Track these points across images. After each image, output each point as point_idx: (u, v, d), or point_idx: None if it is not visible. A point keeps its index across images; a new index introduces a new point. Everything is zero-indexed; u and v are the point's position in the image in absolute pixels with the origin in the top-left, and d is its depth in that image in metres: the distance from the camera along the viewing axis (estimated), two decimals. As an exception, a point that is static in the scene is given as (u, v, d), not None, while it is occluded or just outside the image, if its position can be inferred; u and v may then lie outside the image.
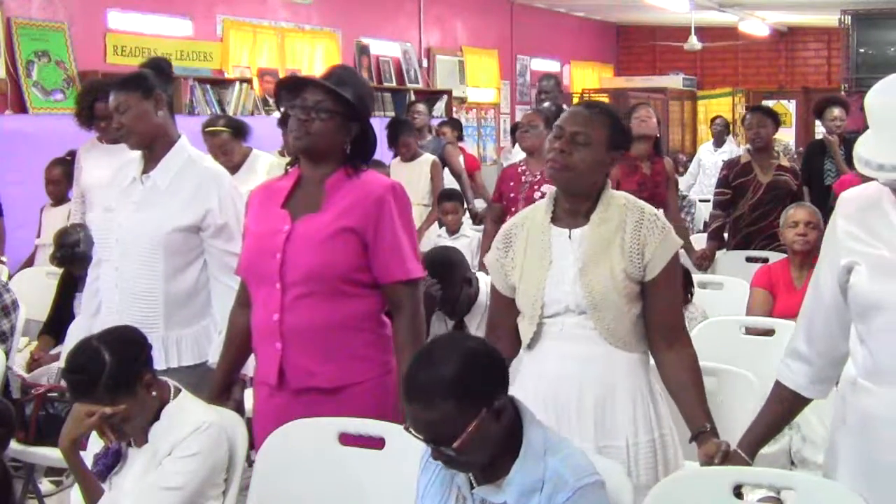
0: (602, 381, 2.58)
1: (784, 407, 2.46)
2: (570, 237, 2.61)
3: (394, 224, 2.84)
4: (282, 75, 8.78)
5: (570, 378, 2.58)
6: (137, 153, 3.35)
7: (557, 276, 2.59)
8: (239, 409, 3.03)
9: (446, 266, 3.95)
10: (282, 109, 2.89)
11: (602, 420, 2.57)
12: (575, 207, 2.63)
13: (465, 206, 7.20)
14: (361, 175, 2.88)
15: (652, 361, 2.68)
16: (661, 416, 2.63)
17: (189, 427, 2.65)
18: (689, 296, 4.78)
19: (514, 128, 7.52)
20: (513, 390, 2.63)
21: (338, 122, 2.83)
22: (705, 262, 5.80)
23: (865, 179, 6.39)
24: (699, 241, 6.11)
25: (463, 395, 2.12)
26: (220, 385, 3.04)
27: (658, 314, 2.61)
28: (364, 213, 2.81)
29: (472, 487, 2.27)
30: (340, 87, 2.82)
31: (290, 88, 2.88)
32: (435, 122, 9.19)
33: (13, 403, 3.87)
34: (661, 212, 5.54)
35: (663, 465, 2.61)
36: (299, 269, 2.79)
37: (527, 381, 2.65)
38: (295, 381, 2.83)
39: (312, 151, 2.85)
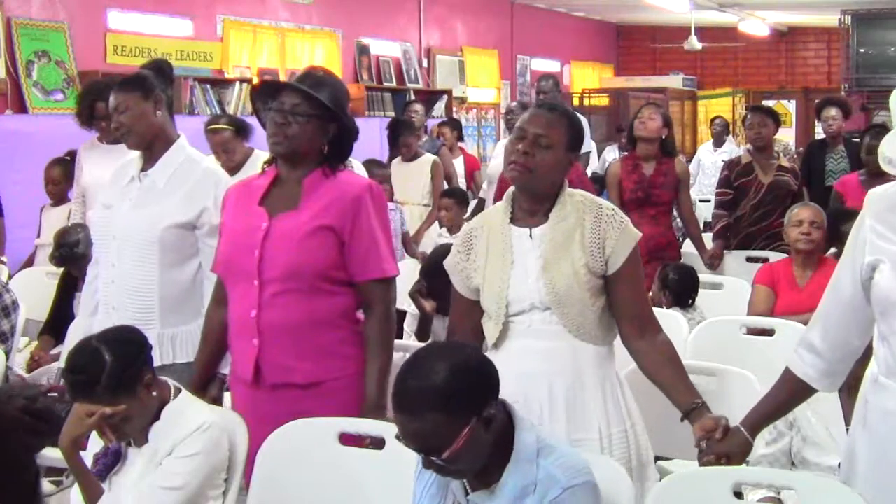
0: (571, 375, 2.61)
1: (790, 394, 2.47)
2: (530, 236, 2.65)
3: (371, 223, 2.88)
4: (282, 75, 8.79)
5: (538, 374, 2.61)
6: (137, 152, 3.37)
7: (520, 275, 2.62)
8: (215, 404, 3.05)
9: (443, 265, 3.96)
10: (267, 115, 2.90)
11: (573, 414, 2.59)
12: (534, 207, 2.67)
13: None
14: (338, 175, 2.92)
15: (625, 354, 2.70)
16: (630, 406, 2.68)
17: (190, 427, 2.65)
18: (691, 301, 4.78)
19: (508, 112, 7.48)
20: None
21: (315, 124, 2.86)
22: (716, 261, 5.81)
23: (868, 179, 6.40)
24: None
25: (451, 405, 2.12)
26: (197, 382, 3.07)
27: (625, 306, 2.65)
28: (341, 212, 2.85)
29: (466, 494, 2.27)
30: (316, 90, 2.86)
31: (267, 92, 2.92)
32: (435, 123, 9.19)
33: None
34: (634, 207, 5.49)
35: (636, 455, 2.64)
36: (277, 266, 2.83)
37: None
38: (271, 377, 2.86)
39: (291, 154, 2.89)
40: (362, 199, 2.88)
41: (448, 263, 2.80)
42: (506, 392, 2.57)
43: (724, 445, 2.44)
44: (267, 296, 2.84)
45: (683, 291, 4.79)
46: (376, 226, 2.90)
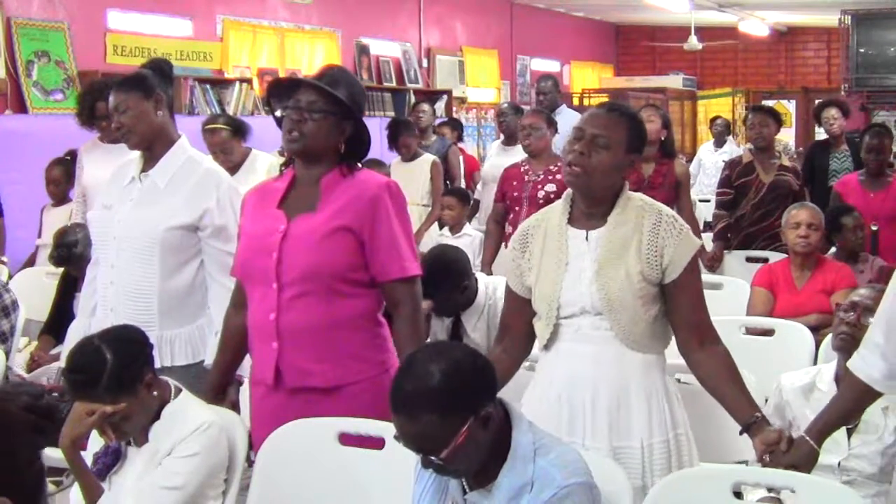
0: (616, 381, 2.57)
1: (855, 399, 2.45)
2: (586, 239, 2.60)
3: (390, 222, 2.84)
4: (282, 75, 8.78)
5: (584, 379, 2.57)
6: (137, 153, 3.36)
7: (574, 278, 2.58)
8: (234, 409, 3.04)
9: (440, 268, 3.95)
10: (277, 113, 2.88)
11: (616, 421, 2.55)
12: (592, 209, 2.62)
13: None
14: (356, 174, 2.89)
15: (678, 361, 2.67)
16: (676, 416, 2.62)
17: (190, 427, 2.65)
18: None
19: (499, 114, 7.45)
20: (529, 391, 2.63)
21: (331, 121, 2.82)
22: (716, 263, 5.81)
23: (867, 179, 6.38)
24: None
25: (447, 406, 2.12)
26: (216, 386, 3.05)
27: (684, 315, 2.60)
28: (360, 212, 2.82)
29: (464, 493, 2.27)
30: (333, 87, 2.82)
31: (283, 90, 2.89)
32: (436, 123, 9.17)
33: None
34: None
35: (678, 467, 2.58)
36: (295, 268, 2.80)
37: (542, 382, 2.66)
38: (291, 381, 2.83)
39: (307, 152, 2.85)
40: (381, 199, 2.84)
41: (504, 260, 2.77)
42: (551, 394, 2.58)
43: (792, 457, 2.42)
44: (286, 299, 2.80)
45: None
46: (396, 225, 2.85)
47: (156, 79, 3.31)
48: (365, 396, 2.82)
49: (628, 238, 2.56)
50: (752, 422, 2.51)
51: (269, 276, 2.82)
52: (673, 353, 2.70)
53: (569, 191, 2.67)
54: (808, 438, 2.43)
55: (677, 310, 2.59)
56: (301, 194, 2.88)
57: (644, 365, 2.58)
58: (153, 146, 3.31)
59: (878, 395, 2.41)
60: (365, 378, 2.84)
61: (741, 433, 2.53)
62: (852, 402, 2.46)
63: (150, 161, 3.32)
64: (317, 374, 2.82)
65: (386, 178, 2.96)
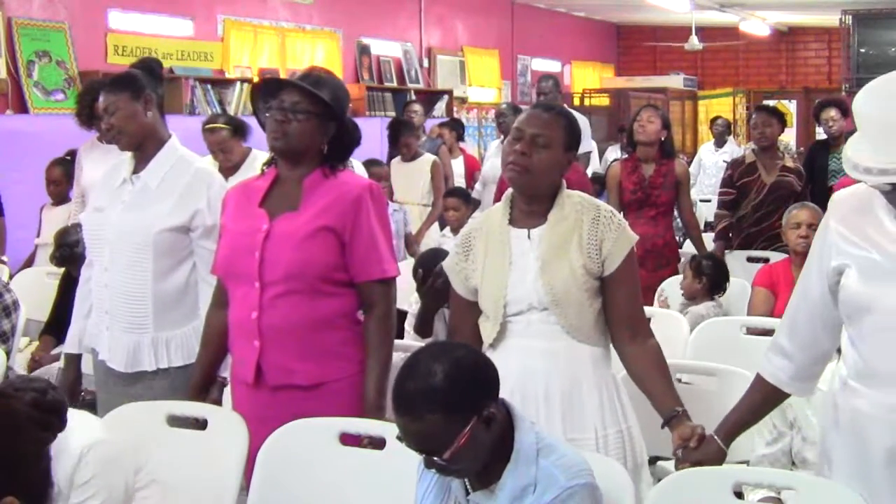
0: (568, 374, 2.62)
1: (762, 399, 2.49)
2: (528, 237, 2.66)
3: (371, 224, 2.88)
4: (283, 75, 8.78)
5: (536, 373, 2.62)
6: (129, 153, 3.35)
7: (519, 275, 2.64)
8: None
9: (436, 263, 3.94)
10: (266, 115, 2.89)
11: (570, 413, 2.60)
12: (532, 209, 2.68)
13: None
14: (339, 175, 2.92)
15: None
16: (626, 408, 2.69)
17: (71, 462, 2.45)
18: (723, 291, 4.85)
19: (498, 115, 7.45)
20: None
21: (315, 122, 2.86)
22: None
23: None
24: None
25: (451, 406, 2.13)
26: (198, 385, 3.07)
27: (619, 308, 2.66)
28: (341, 213, 2.85)
29: (467, 494, 2.27)
30: (317, 88, 2.86)
31: (267, 91, 2.91)
32: (436, 123, 9.19)
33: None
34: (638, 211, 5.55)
35: (631, 457, 2.64)
36: (278, 267, 2.83)
37: None
38: (273, 379, 2.86)
39: (290, 152, 2.89)
40: (362, 200, 2.88)
41: (447, 264, 2.81)
42: (503, 390, 2.58)
43: (699, 453, 2.45)
44: (268, 298, 2.84)
45: (720, 277, 4.88)
46: (376, 226, 2.89)
47: (145, 79, 3.29)
48: (347, 394, 2.87)
49: (569, 234, 2.63)
50: (672, 416, 2.55)
51: (251, 274, 2.85)
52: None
53: (508, 192, 2.73)
54: (716, 438, 2.46)
55: (613, 303, 2.66)
56: (283, 194, 2.91)
57: (593, 358, 2.65)
58: (144, 146, 3.29)
59: (785, 396, 2.46)
60: (346, 375, 2.89)
61: (662, 427, 2.57)
62: (760, 403, 2.49)
63: (141, 161, 3.30)
64: (299, 373, 2.85)
65: (368, 180, 3.02)
